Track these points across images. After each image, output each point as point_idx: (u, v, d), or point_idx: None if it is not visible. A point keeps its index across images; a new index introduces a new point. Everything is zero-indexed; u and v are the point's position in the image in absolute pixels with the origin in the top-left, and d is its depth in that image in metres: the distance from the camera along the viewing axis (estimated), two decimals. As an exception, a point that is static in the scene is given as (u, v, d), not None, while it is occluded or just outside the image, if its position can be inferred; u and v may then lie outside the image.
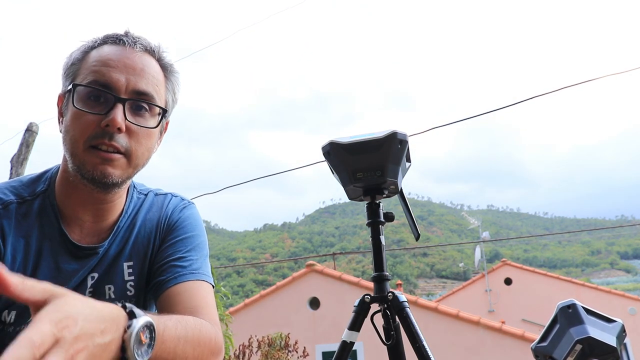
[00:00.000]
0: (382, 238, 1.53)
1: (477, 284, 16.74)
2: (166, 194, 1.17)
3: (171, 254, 1.06)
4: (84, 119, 0.94)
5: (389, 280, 1.49)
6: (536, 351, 1.62)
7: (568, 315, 1.60)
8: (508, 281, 16.23)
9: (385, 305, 1.45)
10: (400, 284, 15.30)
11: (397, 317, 1.43)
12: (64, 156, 1.01)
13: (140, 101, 0.97)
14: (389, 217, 1.54)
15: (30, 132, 4.88)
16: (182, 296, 0.99)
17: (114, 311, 0.67)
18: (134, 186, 1.14)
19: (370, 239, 1.52)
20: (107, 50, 0.98)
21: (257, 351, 6.40)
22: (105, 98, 0.94)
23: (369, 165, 1.46)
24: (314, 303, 10.61)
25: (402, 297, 1.44)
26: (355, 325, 1.46)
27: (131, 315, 0.69)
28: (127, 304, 0.71)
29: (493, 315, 14.96)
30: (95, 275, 1.04)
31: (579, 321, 1.57)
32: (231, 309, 10.46)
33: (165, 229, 1.10)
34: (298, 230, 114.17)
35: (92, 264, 1.03)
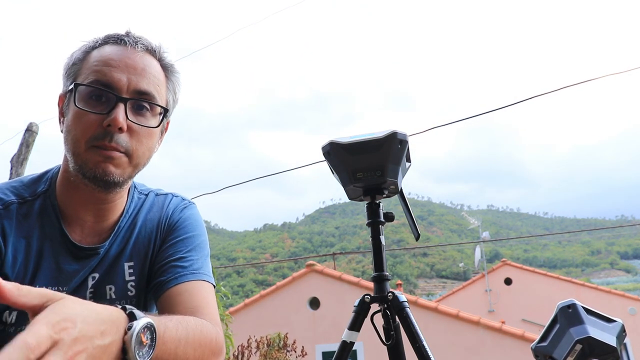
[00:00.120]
0: (382, 238, 1.53)
1: (477, 284, 16.74)
2: (167, 194, 1.17)
3: (172, 254, 1.06)
4: (86, 118, 0.94)
5: (389, 280, 1.49)
6: (536, 351, 1.62)
7: (568, 315, 1.60)
8: (508, 281, 16.22)
9: (385, 305, 1.45)
10: (400, 284, 15.30)
11: (397, 317, 1.43)
12: (65, 156, 1.01)
13: (141, 101, 0.97)
14: (389, 217, 1.54)
15: (30, 132, 4.88)
16: (183, 296, 0.99)
17: (113, 313, 0.67)
18: (135, 186, 1.14)
19: (370, 239, 1.52)
20: (109, 50, 0.98)
21: (256, 352, 6.41)
22: (107, 97, 0.94)
23: (369, 165, 1.46)
24: (314, 303, 10.61)
25: (402, 297, 1.44)
26: (355, 325, 1.46)
27: (131, 317, 0.69)
28: (127, 306, 0.71)
29: (493, 315, 14.96)
30: (96, 275, 1.04)
31: (579, 321, 1.57)
32: (231, 309, 10.46)
33: (166, 229, 1.10)
34: (298, 230, 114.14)
35: (93, 264, 1.03)
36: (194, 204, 1.19)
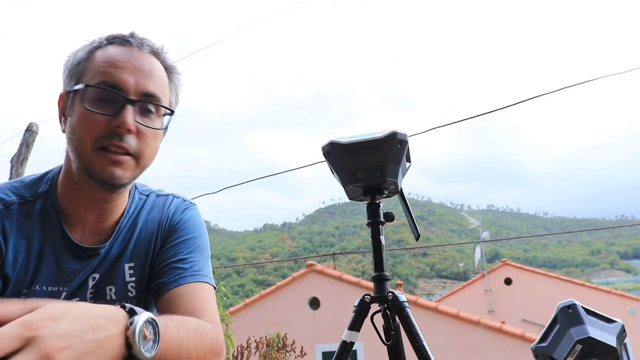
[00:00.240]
0: (382, 238, 1.53)
1: (477, 284, 16.74)
2: (168, 195, 1.17)
3: (172, 255, 1.06)
4: (93, 119, 0.93)
5: (389, 280, 1.50)
6: (536, 351, 1.62)
7: (568, 316, 1.60)
8: (508, 281, 16.23)
9: (385, 305, 1.45)
10: (400, 284, 15.30)
11: (397, 317, 1.44)
12: (67, 156, 1.01)
13: (148, 103, 0.98)
14: (389, 217, 1.54)
15: (30, 132, 4.88)
16: (183, 298, 0.99)
17: (110, 310, 0.67)
18: (136, 187, 1.14)
19: (370, 239, 1.52)
20: (114, 51, 0.98)
21: (255, 352, 6.41)
22: (114, 99, 0.94)
23: (369, 165, 1.46)
24: (314, 303, 10.61)
25: (402, 297, 1.44)
26: (355, 325, 1.46)
27: (132, 313, 0.70)
28: (127, 304, 0.71)
29: (493, 315, 14.96)
30: (97, 276, 1.04)
31: (579, 321, 1.57)
32: (231, 309, 10.47)
33: (166, 230, 1.10)
34: (298, 230, 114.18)
35: (94, 264, 1.03)
36: (195, 205, 1.19)
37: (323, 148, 1.53)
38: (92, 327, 0.63)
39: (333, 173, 1.55)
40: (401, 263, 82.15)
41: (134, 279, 1.07)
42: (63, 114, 1.01)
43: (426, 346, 1.36)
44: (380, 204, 1.55)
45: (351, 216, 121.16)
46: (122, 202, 1.07)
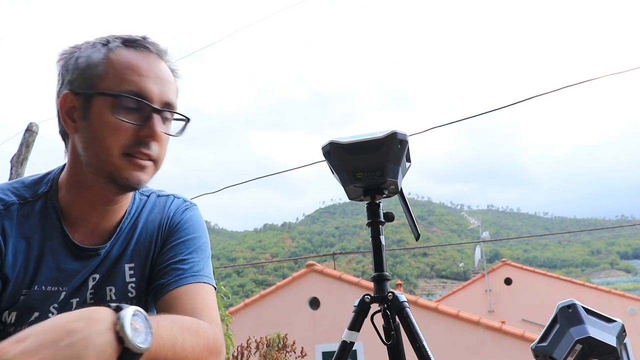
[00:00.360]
0: (382, 238, 1.53)
1: (477, 284, 16.75)
2: (168, 195, 1.17)
3: (173, 256, 1.06)
4: (121, 127, 0.94)
5: (389, 280, 1.50)
6: (536, 351, 1.63)
7: (568, 315, 1.60)
8: (508, 281, 16.23)
9: (385, 305, 1.45)
10: (400, 284, 15.31)
11: (397, 317, 1.44)
12: (74, 158, 1.00)
13: (170, 112, 1.01)
14: (389, 217, 1.55)
15: (30, 132, 4.89)
16: (183, 299, 0.99)
17: (86, 311, 0.68)
18: None
19: (370, 239, 1.53)
20: (135, 57, 0.98)
21: (255, 352, 6.41)
22: (140, 107, 0.96)
23: (369, 165, 1.47)
24: (314, 303, 10.61)
25: (402, 297, 1.45)
26: (355, 325, 1.46)
27: (118, 309, 0.70)
28: (112, 304, 0.72)
29: (493, 315, 14.97)
30: (97, 276, 1.04)
31: (579, 321, 1.57)
32: (231, 309, 10.47)
33: (167, 230, 1.10)
34: (298, 230, 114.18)
35: (94, 265, 1.03)
36: (195, 205, 1.19)
37: (323, 148, 1.53)
38: (66, 332, 0.63)
39: (333, 173, 1.56)
40: (401, 263, 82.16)
41: (134, 279, 1.07)
42: (70, 115, 0.98)
43: (426, 346, 1.36)
44: (380, 204, 1.55)
45: (351, 216, 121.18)
46: (126, 203, 1.08)
